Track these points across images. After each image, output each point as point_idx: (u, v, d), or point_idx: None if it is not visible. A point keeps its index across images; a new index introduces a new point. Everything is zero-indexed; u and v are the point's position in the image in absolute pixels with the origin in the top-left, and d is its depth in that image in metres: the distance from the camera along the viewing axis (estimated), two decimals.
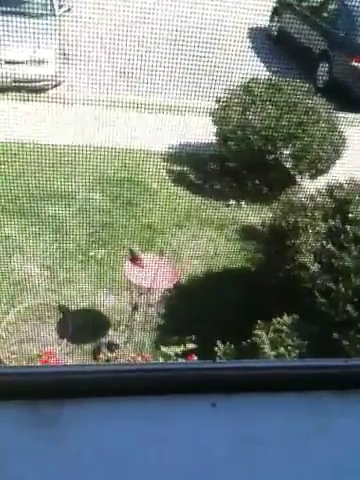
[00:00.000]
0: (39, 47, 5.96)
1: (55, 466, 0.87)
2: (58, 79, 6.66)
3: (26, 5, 6.24)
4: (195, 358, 3.60)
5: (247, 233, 5.31)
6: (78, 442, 0.91)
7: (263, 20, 7.94)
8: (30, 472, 0.86)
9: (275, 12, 8.99)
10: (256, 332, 3.67)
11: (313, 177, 5.76)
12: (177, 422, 0.96)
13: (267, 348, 3.60)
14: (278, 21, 9.01)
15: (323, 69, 8.04)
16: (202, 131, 5.65)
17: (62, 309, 4.47)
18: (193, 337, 3.83)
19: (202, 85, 4.66)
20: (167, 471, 0.90)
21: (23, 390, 0.94)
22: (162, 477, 0.89)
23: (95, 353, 4.16)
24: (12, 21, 4.40)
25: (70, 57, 5.57)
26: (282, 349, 3.60)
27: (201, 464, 0.91)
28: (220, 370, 1.07)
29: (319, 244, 3.95)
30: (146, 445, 0.92)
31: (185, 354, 3.72)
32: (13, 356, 4.07)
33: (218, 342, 3.70)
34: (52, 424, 0.91)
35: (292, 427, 0.98)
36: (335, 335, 3.46)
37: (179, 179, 6.01)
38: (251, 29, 7.57)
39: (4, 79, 6.12)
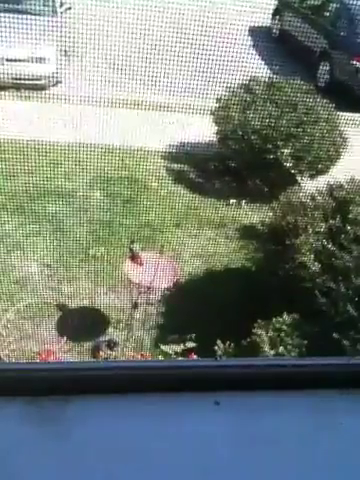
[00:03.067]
0: (40, 45, 5.96)
1: (59, 462, 0.87)
2: (58, 77, 6.66)
3: (27, 3, 6.23)
4: (195, 357, 3.60)
5: (247, 232, 5.31)
6: (81, 438, 0.91)
7: (264, 20, 7.94)
8: (34, 468, 0.86)
9: (276, 12, 8.99)
10: (256, 331, 3.68)
11: (313, 177, 5.76)
12: (180, 419, 0.96)
13: (267, 347, 3.60)
14: (279, 21, 9.02)
15: (324, 69, 8.04)
16: (202, 130, 5.65)
17: (62, 307, 4.47)
18: (193, 336, 3.83)
19: (203, 84, 4.65)
20: (170, 468, 0.90)
21: (27, 387, 0.94)
22: (165, 474, 0.89)
23: (94, 351, 4.16)
24: (13, 19, 4.40)
25: (71, 55, 5.57)
26: (282, 348, 3.60)
27: (204, 461, 0.91)
28: (223, 368, 1.07)
29: (319, 244, 3.95)
30: (149, 442, 0.92)
31: (185, 353, 3.72)
32: (12, 354, 4.07)
33: (218, 341, 3.70)
34: (56, 421, 0.91)
35: (295, 425, 0.98)
36: (335, 335, 3.46)
37: (179, 178, 6.01)
38: (252, 28, 7.56)
39: (4, 77, 6.12)
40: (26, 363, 2.93)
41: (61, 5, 6.68)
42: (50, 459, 0.88)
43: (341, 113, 5.80)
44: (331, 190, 4.36)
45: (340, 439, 0.97)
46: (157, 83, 4.87)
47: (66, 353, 4.16)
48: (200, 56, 4.42)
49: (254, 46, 6.84)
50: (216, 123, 5.91)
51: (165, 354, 3.82)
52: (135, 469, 0.89)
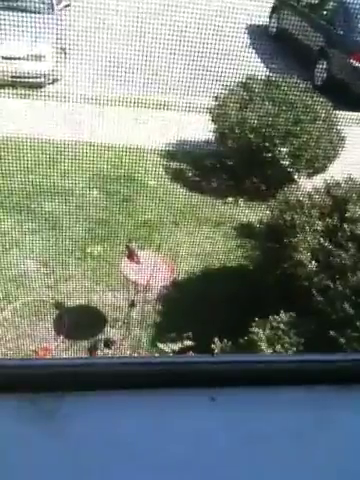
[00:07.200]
0: (37, 43, 5.95)
1: (55, 459, 0.87)
2: (56, 75, 6.65)
3: (25, 0, 6.22)
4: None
5: (244, 231, 5.31)
6: (78, 435, 0.91)
7: (262, 17, 7.94)
8: (30, 465, 0.86)
9: (274, 10, 9.00)
10: (253, 329, 3.68)
11: (311, 175, 5.77)
12: (176, 416, 0.96)
13: (264, 345, 3.60)
14: (277, 19, 9.02)
15: (321, 67, 8.05)
16: (200, 128, 5.65)
17: (59, 306, 4.47)
18: (190, 334, 3.83)
19: (200, 82, 4.65)
20: (166, 464, 0.90)
21: (23, 383, 0.94)
22: (161, 470, 0.89)
23: (92, 350, 4.16)
24: (11, 16, 4.39)
25: (68, 53, 5.56)
26: (279, 346, 3.60)
27: (200, 457, 0.91)
28: (219, 364, 1.07)
29: (316, 242, 3.95)
30: (145, 439, 0.91)
31: (182, 351, 3.73)
32: (9, 353, 4.07)
33: (215, 339, 3.70)
34: (52, 417, 0.91)
35: (292, 421, 0.97)
36: (332, 333, 3.46)
37: (176, 176, 6.01)
38: (250, 26, 7.56)
39: (1, 74, 6.11)
40: (21, 359, 2.93)
41: (59, 3, 6.67)
42: (45, 456, 0.87)
43: (338, 111, 5.81)
44: (328, 188, 4.37)
45: (337, 434, 0.97)
46: (155, 81, 4.87)
47: (63, 352, 4.16)
48: (198, 54, 4.43)
49: (252, 44, 6.85)
50: (214, 121, 5.91)
51: (162, 352, 3.83)
52: (131, 465, 0.89)
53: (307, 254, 3.90)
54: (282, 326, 3.67)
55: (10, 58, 6.34)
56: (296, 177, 5.90)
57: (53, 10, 6.44)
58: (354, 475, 0.94)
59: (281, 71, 6.34)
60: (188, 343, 3.77)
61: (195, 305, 4.32)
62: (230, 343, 3.70)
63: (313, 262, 3.87)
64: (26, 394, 0.92)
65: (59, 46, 5.96)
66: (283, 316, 3.71)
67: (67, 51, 5.66)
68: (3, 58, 6.30)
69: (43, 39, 5.71)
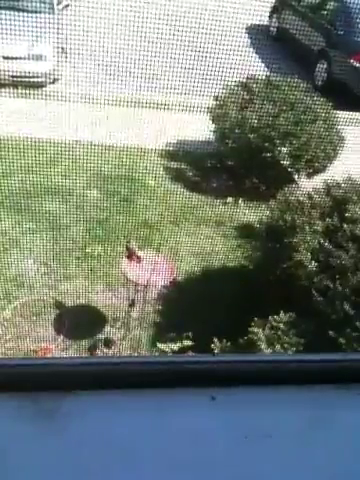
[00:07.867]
0: (37, 43, 5.95)
1: (55, 458, 0.87)
2: (56, 75, 6.66)
3: (25, 0, 6.22)
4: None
5: (244, 231, 5.31)
6: (78, 435, 0.91)
7: (262, 18, 7.94)
8: (30, 464, 0.86)
9: (274, 10, 9.00)
10: (253, 329, 3.68)
11: (310, 175, 5.77)
12: (176, 415, 0.96)
13: (263, 345, 3.60)
14: (277, 19, 9.03)
15: (322, 67, 8.05)
16: (200, 128, 5.65)
17: (58, 305, 4.47)
18: (190, 334, 3.83)
19: (200, 82, 4.65)
20: (166, 464, 0.90)
21: (24, 382, 0.94)
22: (161, 470, 0.89)
23: (91, 350, 4.16)
24: (11, 16, 4.39)
25: (68, 53, 5.56)
26: (278, 346, 3.60)
27: (200, 457, 0.91)
28: (220, 363, 1.07)
29: (316, 242, 3.95)
30: (145, 438, 0.92)
31: (182, 351, 3.73)
32: (9, 352, 4.07)
33: (215, 339, 3.70)
34: (52, 416, 0.91)
35: (292, 420, 0.98)
36: (331, 333, 3.46)
37: (176, 176, 6.01)
38: (250, 27, 7.56)
39: (2, 74, 6.11)
40: (21, 358, 2.93)
41: (58, 3, 6.68)
42: (45, 455, 0.88)
43: (339, 112, 5.80)
44: (328, 189, 4.37)
45: (336, 434, 0.97)
46: (155, 81, 4.87)
47: (63, 351, 4.16)
48: (198, 54, 4.43)
49: (252, 45, 6.84)
50: (214, 121, 5.92)
51: (162, 352, 3.83)
52: (131, 464, 0.89)
53: (307, 254, 3.90)
54: (282, 326, 3.68)
55: (11, 58, 6.34)
56: (296, 177, 5.90)
57: (53, 10, 6.45)
58: (354, 475, 0.94)
59: (281, 71, 6.34)
60: (188, 343, 3.78)
61: (195, 305, 4.32)
62: (230, 343, 3.70)
63: (313, 262, 3.87)
64: (26, 393, 0.92)
65: (59, 46, 5.97)
66: (283, 316, 3.72)
67: (67, 51, 5.66)
68: (4, 58, 6.31)
69: (43, 39, 5.72)
